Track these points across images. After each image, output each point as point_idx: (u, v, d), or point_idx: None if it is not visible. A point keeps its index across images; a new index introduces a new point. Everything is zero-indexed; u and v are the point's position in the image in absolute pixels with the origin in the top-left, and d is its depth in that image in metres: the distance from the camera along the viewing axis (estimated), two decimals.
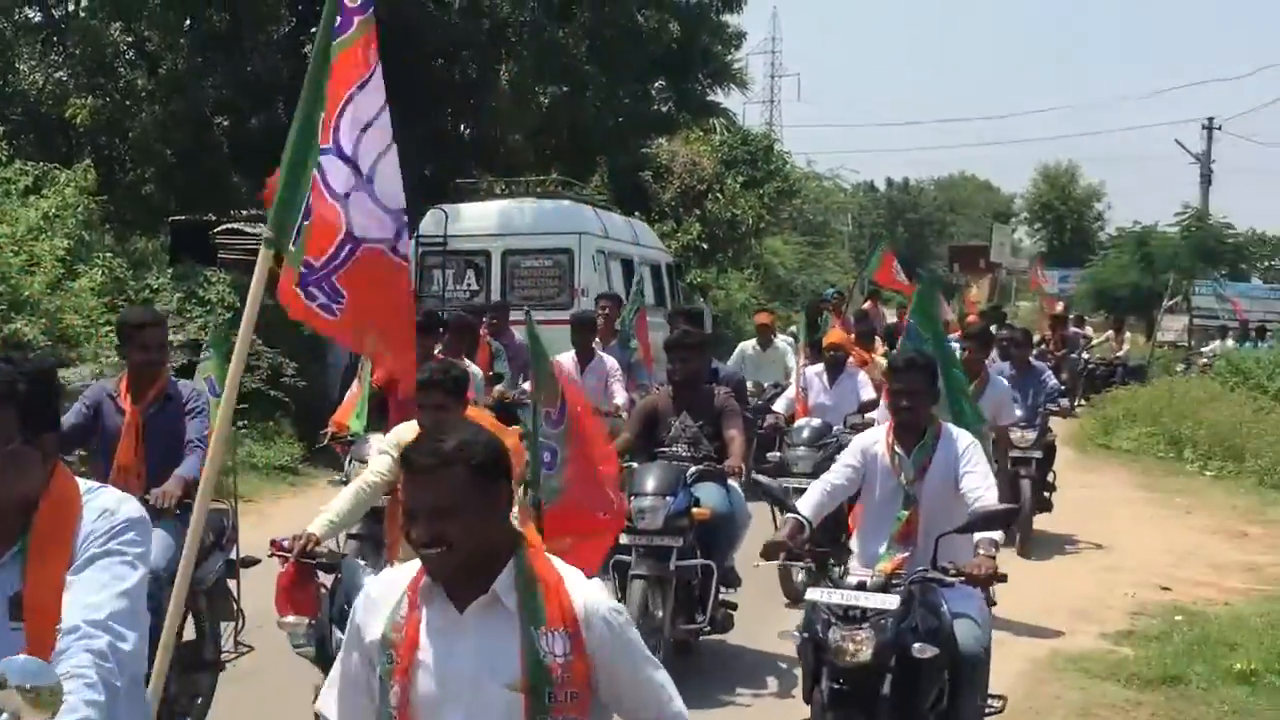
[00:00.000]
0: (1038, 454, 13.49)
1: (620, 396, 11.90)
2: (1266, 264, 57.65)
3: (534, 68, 20.18)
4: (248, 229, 25.89)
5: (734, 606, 9.16)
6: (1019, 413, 12.63)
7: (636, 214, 26.60)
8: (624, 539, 8.03)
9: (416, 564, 3.37)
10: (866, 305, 25.64)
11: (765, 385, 15.04)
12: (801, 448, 11.46)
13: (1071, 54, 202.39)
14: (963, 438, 6.69)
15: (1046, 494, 14.04)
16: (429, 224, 18.34)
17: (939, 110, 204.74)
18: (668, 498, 8.32)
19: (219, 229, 24.68)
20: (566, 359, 12.03)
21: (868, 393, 12.24)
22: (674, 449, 8.95)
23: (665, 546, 8.25)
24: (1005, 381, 11.95)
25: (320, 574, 6.51)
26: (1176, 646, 9.63)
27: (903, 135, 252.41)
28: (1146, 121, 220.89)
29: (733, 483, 8.88)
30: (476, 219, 18.30)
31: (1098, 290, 51.31)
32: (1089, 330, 31.62)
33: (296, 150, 5.52)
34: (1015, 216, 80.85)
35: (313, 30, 19.45)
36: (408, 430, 6.69)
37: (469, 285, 17.91)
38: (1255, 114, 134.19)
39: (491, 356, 12.76)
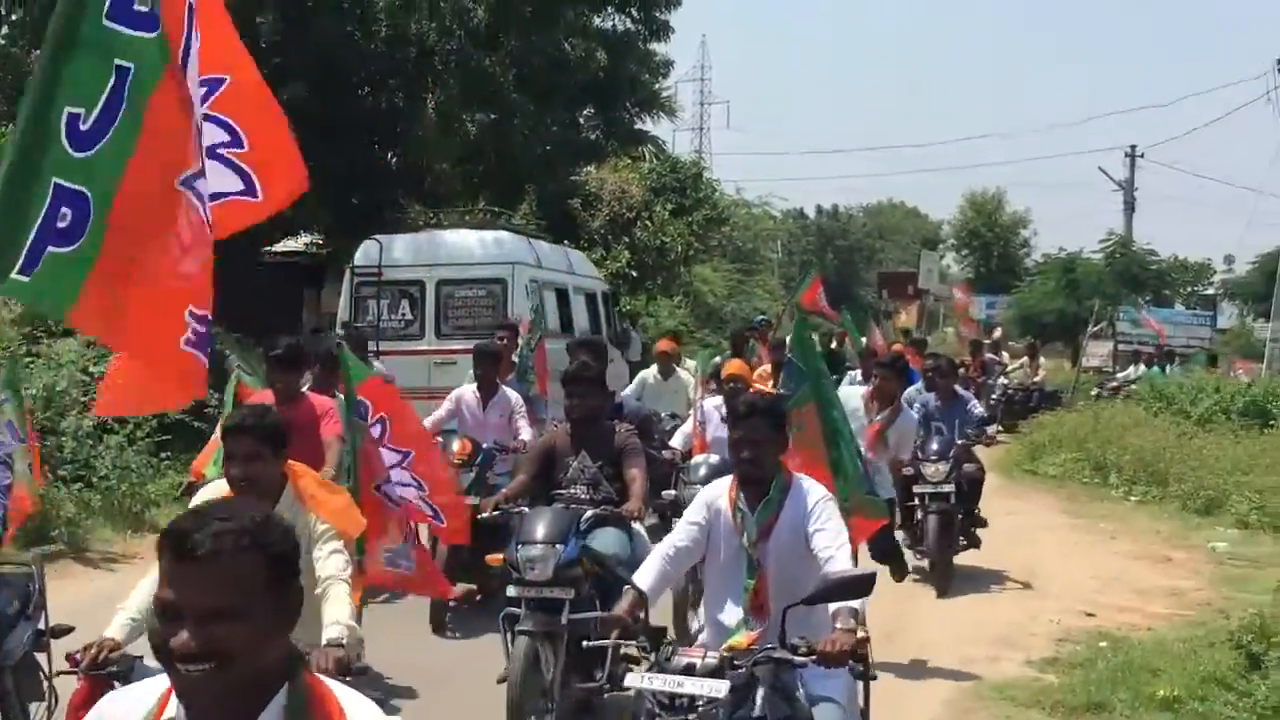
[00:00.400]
0: (949, 488, 12.93)
1: (526, 433, 11.31)
2: (1189, 290, 58.38)
3: (460, 96, 20.13)
4: None
5: (638, 661, 8.81)
6: (934, 447, 12.89)
7: (565, 242, 26.86)
8: (512, 591, 7.81)
9: (164, 679, 2.63)
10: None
11: (664, 416, 14.28)
12: (698, 486, 11.18)
13: (997, 82, 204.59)
14: (814, 490, 5.88)
15: (975, 529, 13.75)
16: (363, 254, 18.46)
17: (867, 138, 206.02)
18: (558, 545, 7.78)
19: None
20: (468, 393, 11.72)
21: None
22: (572, 491, 8.48)
23: (556, 599, 7.70)
24: (915, 417, 11.79)
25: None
26: (1100, 673, 9.65)
27: (832, 163, 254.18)
28: (1071, 149, 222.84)
29: (637, 526, 8.43)
30: (411, 249, 18.49)
31: (1024, 316, 51.77)
32: (1005, 356, 31.70)
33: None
34: (943, 243, 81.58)
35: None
36: (215, 492, 5.80)
37: (403, 315, 18.02)
38: (1176, 143, 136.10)
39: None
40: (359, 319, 17.89)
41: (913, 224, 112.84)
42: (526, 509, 8.39)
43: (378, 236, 18.75)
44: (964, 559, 13.55)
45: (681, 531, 5.97)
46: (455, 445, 11.13)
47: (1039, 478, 21.18)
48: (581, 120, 26.12)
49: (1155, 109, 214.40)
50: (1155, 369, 29.67)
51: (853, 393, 10.90)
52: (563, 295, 19.47)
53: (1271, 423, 21.49)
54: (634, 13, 24.90)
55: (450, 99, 20.06)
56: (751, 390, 12.14)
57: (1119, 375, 32.09)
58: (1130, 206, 54.60)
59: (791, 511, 5.77)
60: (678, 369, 15.43)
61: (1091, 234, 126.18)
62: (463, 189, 22.89)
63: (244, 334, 20.78)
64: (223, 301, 19.50)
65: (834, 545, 5.59)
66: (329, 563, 5.41)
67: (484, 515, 8.75)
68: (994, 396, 28.09)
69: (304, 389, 9.66)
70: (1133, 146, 55.03)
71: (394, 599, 10.69)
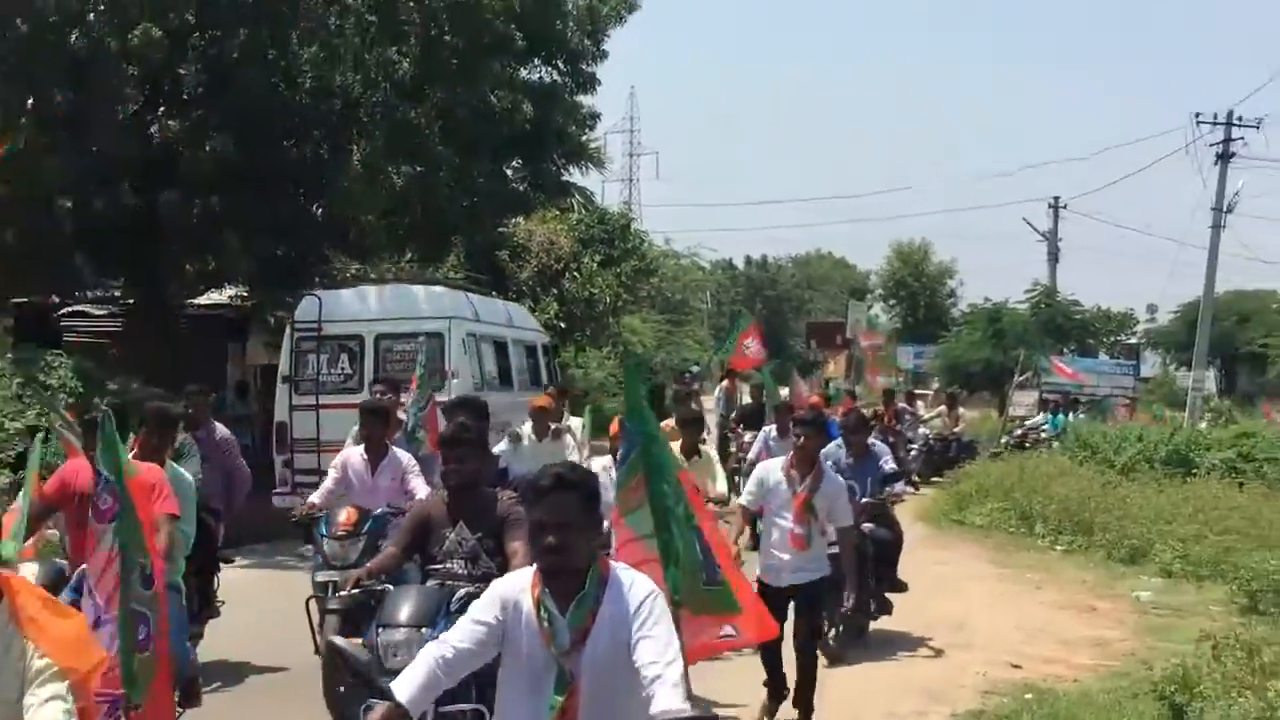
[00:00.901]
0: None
1: (422, 492, 10.01)
2: (1113, 339, 59.05)
3: (386, 148, 20.05)
4: (93, 311, 25.45)
5: None
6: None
7: (493, 294, 26.85)
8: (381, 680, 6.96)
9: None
10: (725, 384, 25.71)
11: None
12: None
13: (922, 134, 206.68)
14: (638, 586, 4.75)
15: (887, 593, 13.05)
16: (303, 310, 18.73)
17: (797, 188, 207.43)
18: (424, 630, 6.95)
19: (62, 311, 24.21)
20: (354, 456, 10.65)
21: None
22: (448, 566, 7.60)
23: None
24: (840, 479, 10.21)
25: None
26: None
27: (761, 213, 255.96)
28: (997, 201, 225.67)
29: None
30: (350, 304, 18.82)
31: (951, 366, 52.15)
32: (920, 407, 31.69)
33: None
34: (871, 293, 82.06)
35: (160, 110, 19.39)
36: None
37: (343, 369, 18.23)
38: (1099, 194, 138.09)
39: (176, 454, 10.20)
40: (300, 373, 18.32)
41: (841, 274, 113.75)
42: (390, 586, 7.61)
43: (317, 292, 19.18)
44: (879, 626, 13.28)
45: (464, 630, 4.83)
46: (341, 515, 10.09)
47: (966, 527, 21.25)
48: (509, 172, 26.10)
49: (1077, 160, 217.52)
50: (1061, 416, 29.84)
51: (773, 466, 9.86)
52: (501, 348, 19.83)
53: (1194, 471, 21.68)
54: (560, 65, 24.97)
55: (376, 151, 19.96)
56: None
57: (1026, 423, 32.21)
58: (1054, 257, 55.21)
59: (611, 612, 4.68)
60: (564, 428, 14.43)
61: (1017, 284, 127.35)
62: (389, 241, 22.79)
63: (165, 388, 20.57)
64: (144, 355, 19.22)
65: (662, 660, 4.52)
66: (41, 715, 4.07)
67: (343, 593, 7.93)
68: (914, 447, 28.29)
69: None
70: (1056, 198, 55.71)
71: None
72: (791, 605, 9.53)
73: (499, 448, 13.20)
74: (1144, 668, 11.26)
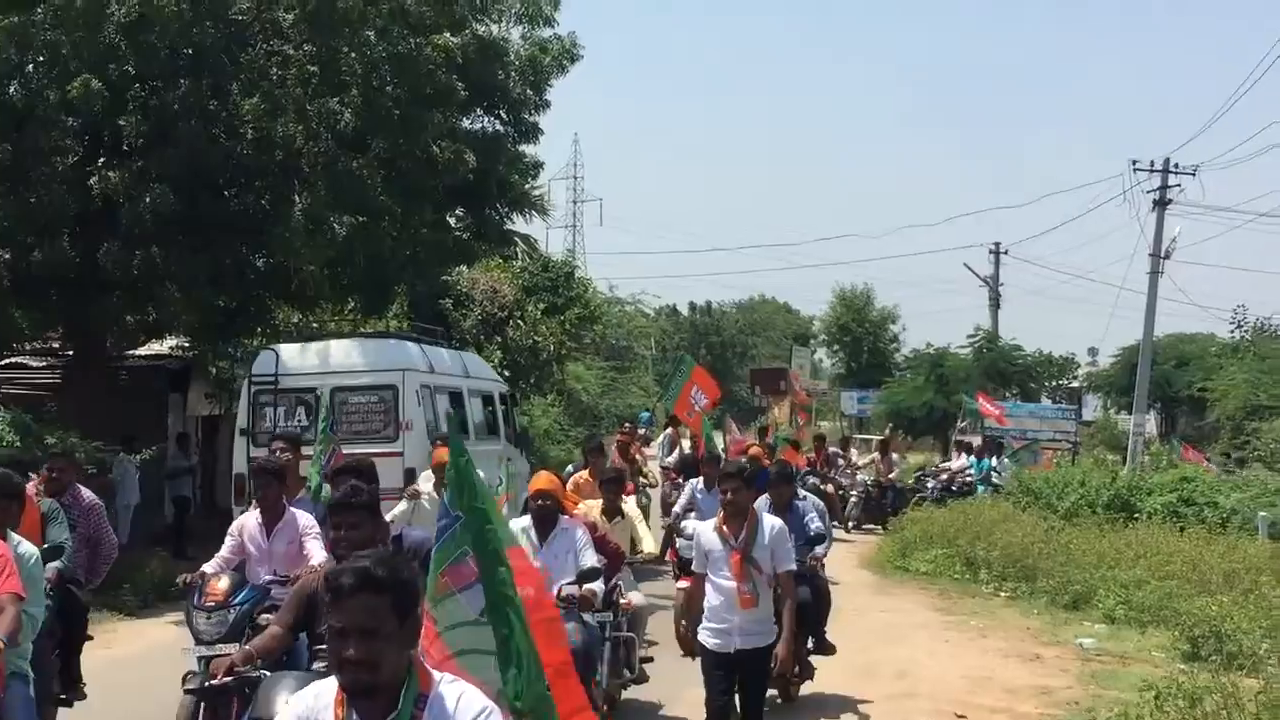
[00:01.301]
0: None
1: (318, 556, 9.15)
2: (1055, 383, 59.45)
3: (328, 198, 19.95)
4: (31, 363, 25.22)
5: None
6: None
7: (450, 344, 26.64)
8: None
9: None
10: (669, 431, 25.68)
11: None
12: None
13: (864, 181, 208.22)
14: (466, 702, 4.01)
15: (811, 655, 12.42)
16: (260, 363, 19.08)
17: (739, 235, 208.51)
18: None
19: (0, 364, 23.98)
20: (250, 521, 9.81)
21: (588, 558, 9.73)
22: None
23: None
24: (777, 521, 9.32)
25: None
26: None
27: (706, 260, 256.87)
28: (938, 246, 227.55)
29: None
30: (305, 358, 19.07)
31: (894, 411, 52.33)
32: (854, 453, 31.46)
33: None
34: (815, 339, 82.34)
35: (100, 161, 19.26)
36: None
37: (299, 422, 18.06)
38: (1040, 240, 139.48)
39: (44, 521, 9.74)
40: (257, 425, 18.41)
41: (785, 320, 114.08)
42: (265, 673, 7.02)
43: (274, 346, 19.73)
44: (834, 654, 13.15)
45: None
46: (210, 583, 9.45)
47: (911, 574, 21.33)
48: (451, 221, 26.02)
49: (1018, 208, 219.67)
50: (985, 462, 29.77)
51: (705, 529, 9.23)
52: (456, 397, 19.83)
53: (1136, 515, 21.82)
54: (503, 115, 24.94)
55: (318, 201, 19.86)
56: (568, 509, 10.47)
57: (952, 466, 32.08)
58: (996, 303, 55.58)
59: None
60: None
61: (960, 329, 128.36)
62: (331, 291, 22.67)
63: (106, 439, 20.39)
64: (84, 407, 19.09)
65: None
66: None
67: (213, 682, 7.22)
68: (854, 494, 28.34)
69: None
70: (997, 244, 56.10)
71: None
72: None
73: (396, 510, 12.84)
74: (1088, 716, 11.30)
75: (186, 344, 25.05)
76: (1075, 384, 64.27)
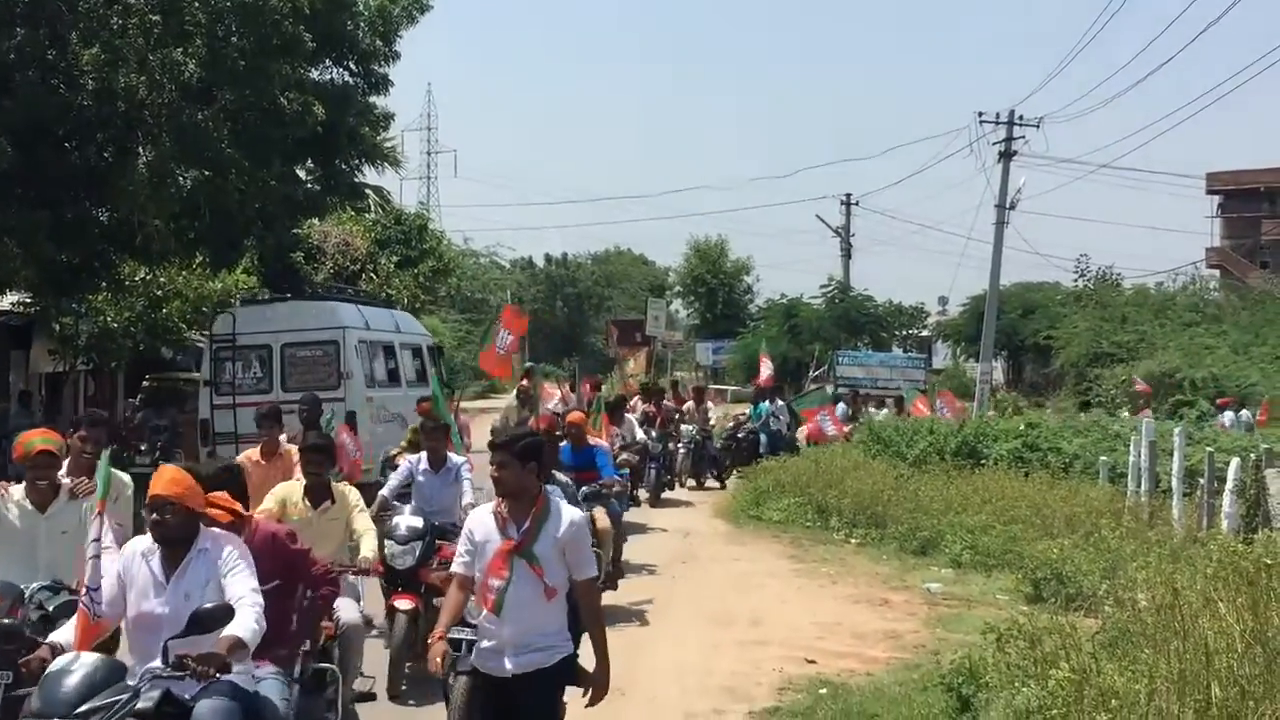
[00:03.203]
0: None
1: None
2: (906, 332, 60.38)
3: (173, 151, 19.56)
4: None
5: None
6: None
7: (289, 297, 26.58)
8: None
9: None
10: (523, 382, 25.59)
11: None
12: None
13: (717, 133, 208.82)
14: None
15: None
16: (220, 324, 22.23)
17: (594, 187, 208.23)
18: None
19: None
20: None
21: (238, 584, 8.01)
22: None
23: None
24: (579, 516, 7.12)
25: None
26: None
27: (561, 212, 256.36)
28: (792, 198, 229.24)
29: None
30: (259, 319, 22.00)
31: (749, 361, 52.77)
32: (688, 403, 29.56)
33: None
34: (670, 290, 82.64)
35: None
36: None
37: (255, 373, 21.52)
38: (889, 190, 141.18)
39: None
40: (219, 378, 21.63)
41: (640, 271, 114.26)
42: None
43: (231, 310, 23.11)
44: (688, 604, 13.40)
45: None
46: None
47: (764, 523, 21.54)
48: (301, 174, 25.68)
49: (868, 159, 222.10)
50: (765, 405, 29.66)
51: (482, 513, 7.15)
52: (389, 351, 23.36)
53: (982, 462, 22.24)
54: (352, 66, 24.64)
55: (162, 154, 19.45)
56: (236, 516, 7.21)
57: (739, 416, 31.83)
58: (847, 253, 56.23)
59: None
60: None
61: (813, 280, 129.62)
62: (178, 245, 22.26)
63: None
64: None
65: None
66: None
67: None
68: (682, 447, 27.36)
69: None
70: (848, 195, 56.68)
71: None
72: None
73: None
74: (934, 659, 11.55)
75: (28, 300, 24.46)
76: (925, 333, 65.34)
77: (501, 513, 6.90)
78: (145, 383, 29.02)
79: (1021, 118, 41.69)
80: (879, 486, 20.79)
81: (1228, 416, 27.56)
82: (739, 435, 29.15)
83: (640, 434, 22.14)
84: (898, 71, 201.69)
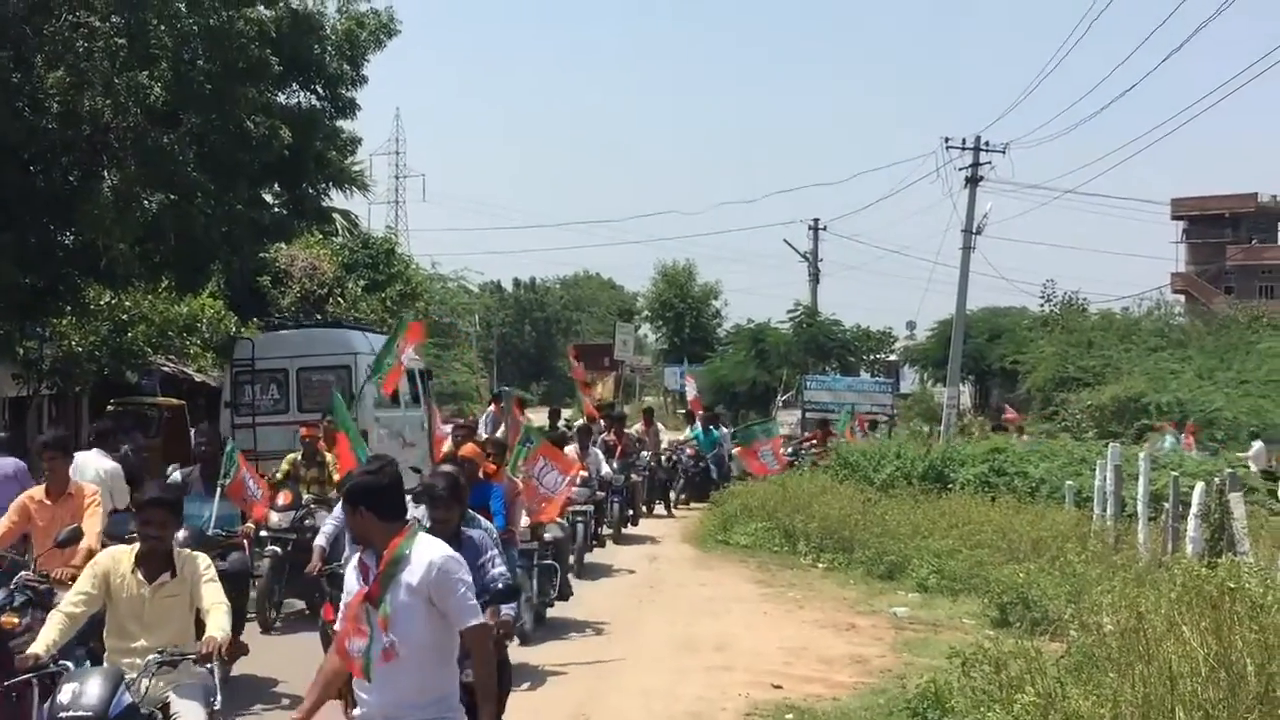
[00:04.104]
0: None
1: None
2: (873, 357, 60.49)
3: (138, 174, 19.46)
4: None
5: None
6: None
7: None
8: None
9: None
10: (491, 407, 25.67)
11: None
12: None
13: (685, 157, 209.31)
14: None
15: None
16: (240, 350, 23.84)
17: (564, 212, 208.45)
18: None
19: None
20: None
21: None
22: None
23: None
24: (438, 552, 6.09)
25: None
26: None
27: (528, 237, 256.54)
28: (759, 222, 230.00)
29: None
30: (276, 344, 23.59)
31: (717, 385, 52.79)
32: (636, 425, 29.80)
33: None
34: (639, 314, 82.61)
35: None
36: None
37: (273, 395, 23.01)
38: (857, 215, 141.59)
39: None
40: (239, 399, 23.05)
41: (609, 296, 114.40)
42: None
43: (250, 336, 24.49)
44: (655, 629, 13.41)
45: None
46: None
47: (731, 547, 21.55)
48: (268, 197, 25.58)
49: (835, 184, 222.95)
50: (716, 430, 29.57)
51: (350, 564, 6.47)
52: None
53: (949, 486, 22.30)
54: (319, 90, 24.54)
55: (127, 177, 19.34)
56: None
57: (681, 439, 31.65)
58: (815, 278, 56.33)
59: None
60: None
61: (781, 305, 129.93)
62: (143, 269, 22.10)
63: None
64: None
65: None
66: None
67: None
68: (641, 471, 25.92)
69: None
70: (816, 219, 56.80)
71: None
72: None
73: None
74: (900, 684, 11.55)
75: None
76: (893, 358, 65.46)
77: (364, 560, 6.14)
78: (110, 407, 28.85)
79: (988, 143, 41.88)
80: (846, 511, 20.83)
81: (1168, 440, 27.60)
82: (689, 465, 28.77)
83: (606, 469, 21.58)
84: (865, 97, 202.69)
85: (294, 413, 22.14)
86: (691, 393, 33.53)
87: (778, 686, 12.15)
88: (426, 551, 6.02)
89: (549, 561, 14.69)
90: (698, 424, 29.91)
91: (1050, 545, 15.97)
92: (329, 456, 15.73)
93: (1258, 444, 28.50)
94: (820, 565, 19.68)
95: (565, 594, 15.46)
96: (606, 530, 22.37)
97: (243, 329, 27.57)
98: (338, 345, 23.52)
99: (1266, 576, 9.16)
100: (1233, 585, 7.90)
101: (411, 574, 5.93)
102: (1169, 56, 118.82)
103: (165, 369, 29.66)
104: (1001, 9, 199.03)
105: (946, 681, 9.46)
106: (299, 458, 16.15)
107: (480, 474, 11.47)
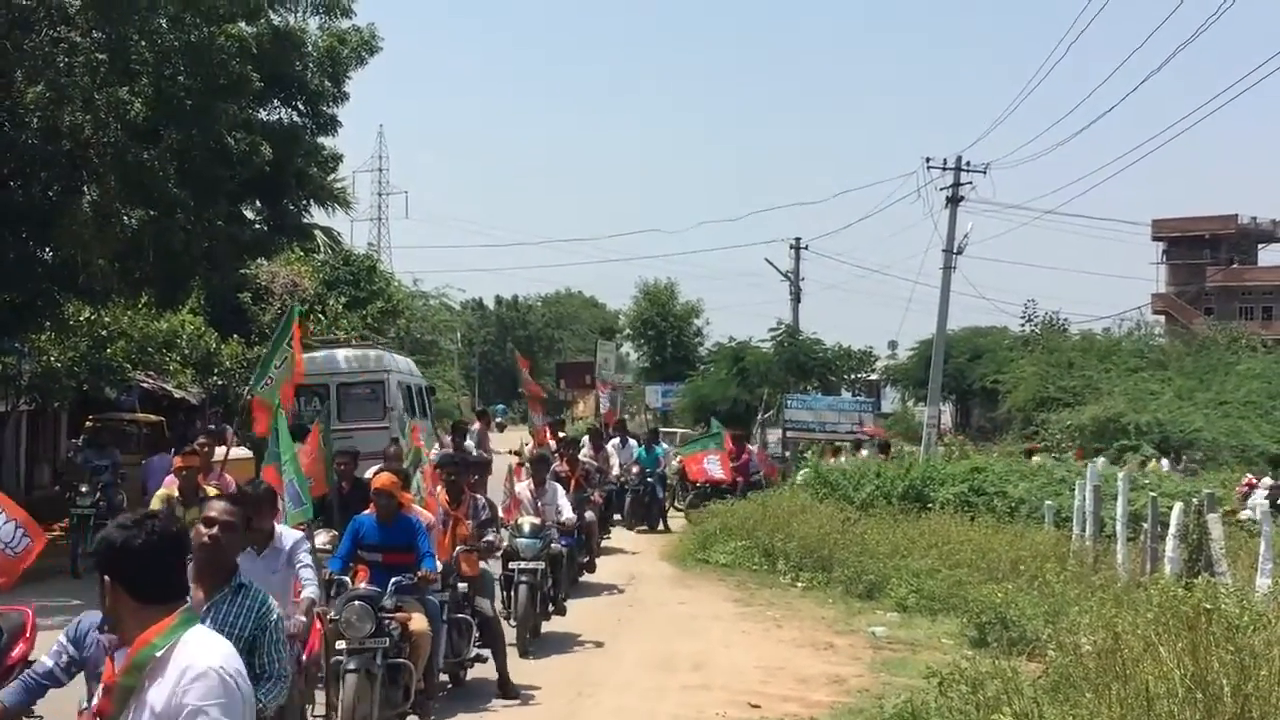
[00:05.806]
0: None
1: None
2: (855, 376, 60.47)
3: (118, 190, 19.45)
4: None
5: None
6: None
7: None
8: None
9: None
10: (477, 425, 25.69)
11: None
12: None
13: (667, 176, 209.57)
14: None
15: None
16: None
17: (545, 230, 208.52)
18: None
19: None
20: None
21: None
22: None
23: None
24: (200, 662, 3.97)
25: None
26: None
27: (510, 254, 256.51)
28: (742, 241, 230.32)
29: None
30: (319, 363, 24.36)
31: (698, 404, 52.72)
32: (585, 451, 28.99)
33: None
34: (620, 332, 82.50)
35: None
36: None
37: (316, 407, 24.03)
38: (838, 235, 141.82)
39: None
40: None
41: (591, 314, 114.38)
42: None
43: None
44: (633, 648, 13.39)
45: None
46: None
47: (711, 566, 21.50)
48: (249, 214, 25.60)
49: (816, 204, 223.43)
50: (661, 448, 29.08)
51: None
52: (410, 390, 26.88)
53: (929, 506, 22.28)
54: (300, 106, 24.59)
55: (107, 193, 19.35)
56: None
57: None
58: (797, 297, 56.25)
59: None
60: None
61: (762, 323, 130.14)
62: (123, 285, 22.07)
63: None
64: None
65: None
66: None
67: None
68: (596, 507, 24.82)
69: None
70: (797, 239, 56.77)
71: None
72: None
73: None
74: (877, 704, 11.52)
75: None
76: (874, 377, 65.48)
77: (111, 653, 4.33)
78: (88, 423, 28.76)
79: (968, 163, 41.87)
80: (826, 530, 20.79)
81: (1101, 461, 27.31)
82: (636, 484, 27.10)
83: (568, 514, 16.30)
84: (847, 116, 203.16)
85: (335, 423, 23.26)
86: (607, 405, 33.37)
87: (755, 706, 12.11)
88: (190, 655, 3.96)
89: (463, 615, 12.07)
90: (636, 443, 28.57)
91: (1029, 565, 15.93)
92: (211, 489, 12.08)
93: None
94: (799, 584, 19.65)
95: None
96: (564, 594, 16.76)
97: (222, 345, 27.64)
98: (373, 363, 25.77)
99: (1243, 597, 9.17)
100: (1209, 606, 7.91)
101: (160, 689, 3.92)
102: (1148, 78, 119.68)
103: (144, 385, 29.57)
104: (982, 30, 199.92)
105: (923, 701, 9.46)
106: (174, 494, 12.90)
107: (398, 505, 10.83)
